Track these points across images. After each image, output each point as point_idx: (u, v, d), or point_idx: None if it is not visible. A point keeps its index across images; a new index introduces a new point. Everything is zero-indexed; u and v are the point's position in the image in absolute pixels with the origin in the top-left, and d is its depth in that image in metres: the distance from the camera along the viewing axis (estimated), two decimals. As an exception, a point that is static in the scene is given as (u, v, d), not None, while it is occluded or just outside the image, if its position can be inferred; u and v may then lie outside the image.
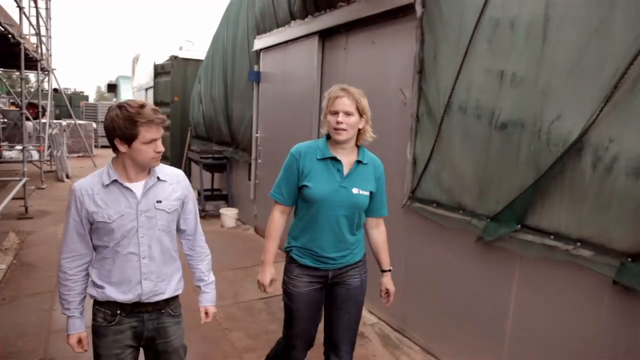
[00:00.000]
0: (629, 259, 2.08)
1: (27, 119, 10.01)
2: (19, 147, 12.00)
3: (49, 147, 11.09)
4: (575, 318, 2.35)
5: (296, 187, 2.20)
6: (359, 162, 2.17)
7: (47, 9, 11.06)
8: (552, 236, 2.40)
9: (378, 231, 2.36)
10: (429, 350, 3.34)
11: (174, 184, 1.92)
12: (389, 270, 2.38)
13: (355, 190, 2.15)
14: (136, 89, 19.25)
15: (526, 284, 2.62)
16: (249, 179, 6.51)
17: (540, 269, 2.52)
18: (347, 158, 2.17)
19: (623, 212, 2.07)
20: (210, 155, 7.49)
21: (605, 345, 2.22)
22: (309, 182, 2.14)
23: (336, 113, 2.08)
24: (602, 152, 2.13)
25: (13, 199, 6.58)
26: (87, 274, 1.88)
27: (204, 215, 7.24)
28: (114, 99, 29.32)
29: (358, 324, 2.35)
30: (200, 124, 8.50)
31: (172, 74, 10.44)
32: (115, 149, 1.78)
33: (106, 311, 1.85)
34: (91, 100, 32.88)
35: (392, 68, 3.65)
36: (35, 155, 10.56)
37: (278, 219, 2.27)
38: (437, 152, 3.13)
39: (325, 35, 4.62)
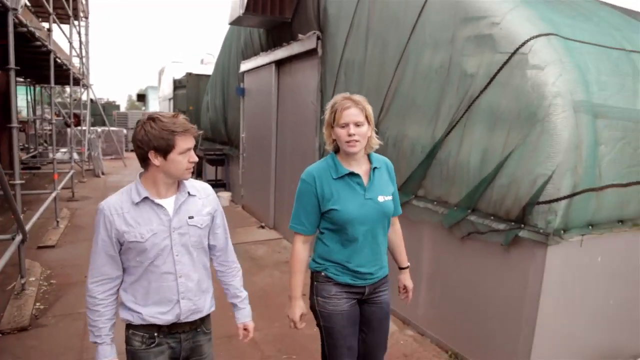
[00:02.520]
0: (455, 207, 3.28)
1: (69, 126, 12.39)
2: (63, 149, 14.47)
3: (88, 149, 13.42)
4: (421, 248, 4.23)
5: (318, 214, 2.11)
6: (375, 168, 2.11)
7: (87, 34, 13.47)
8: (423, 200, 4.07)
9: (394, 230, 2.33)
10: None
11: (203, 198, 1.87)
12: (407, 267, 2.39)
13: (381, 199, 2.09)
14: (161, 98, 21.74)
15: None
16: (239, 169, 8.54)
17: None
18: (361, 169, 2.10)
19: (454, 181, 3.87)
20: (212, 152, 9.57)
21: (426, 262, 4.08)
22: (334, 205, 2.04)
23: (346, 125, 1.98)
24: (390, 134, 4.02)
25: (63, 188, 8.78)
26: (116, 298, 1.81)
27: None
28: (143, 108, 32.05)
29: (387, 339, 2.35)
30: (208, 128, 10.59)
31: (188, 88, 12.62)
32: (145, 164, 1.73)
33: (144, 335, 1.79)
34: (123, 108, 35.82)
35: (310, 86, 5.59)
36: (76, 156, 12.91)
37: (301, 251, 2.16)
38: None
39: (279, 64, 6.60)
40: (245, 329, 2.06)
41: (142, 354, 1.79)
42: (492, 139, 2.96)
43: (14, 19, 3.72)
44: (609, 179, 2.86)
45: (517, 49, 2.82)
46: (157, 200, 1.74)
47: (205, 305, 1.89)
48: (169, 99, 17.20)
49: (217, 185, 9.77)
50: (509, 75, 2.85)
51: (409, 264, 2.41)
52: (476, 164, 3.07)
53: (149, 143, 1.65)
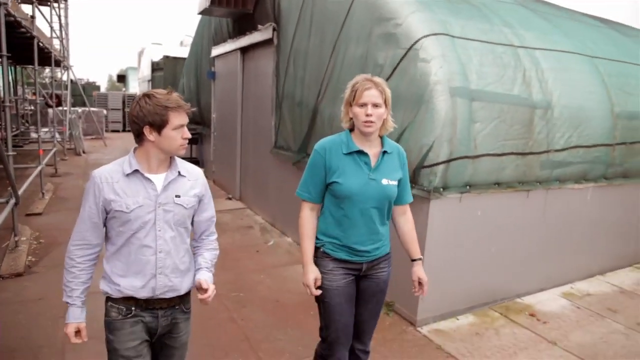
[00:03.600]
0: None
1: (50, 106, 12.87)
2: (45, 129, 14.91)
3: (69, 129, 13.91)
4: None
5: (324, 184, 2.16)
6: (384, 152, 2.15)
7: (66, 17, 13.83)
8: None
9: (405, 219, 2.33)
10: (281, 229, 6.05)
11: (192, 181, 1.90)
12: (420, 259, 2.33)
13: (385, 182, 2.12)
14: (141, 79, 22.10)
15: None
16: (211, 147, 9.23)
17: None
18: (372, 150, 2.14)
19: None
20: (187, 132, 10.22)
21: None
22: (338, 178, 2.10)
23: (364, 105, 2.03)
24: (325, 112, 4.79)
25: (46, 165, 9.37)
26: (94, 265, 1.87)
27: (183, 175, 9.98)
28: (123, 88, 32.17)
29: (380, 312, 2.37)
30: (183, 109, 11.20)
31: (165, 70, 13.21)
32: (139, 139, 1.77)
33: (120, 307, 1.83)
34: (103, 88, 35.81)
35: (268, 72, 6.29)
36: (57, 136, 13.39)
37: (309, 217, 2.21)
38: (281, 120, 5.80)
39: (244, 51, 7.27)
40: (200, 287, 1.87)
41: (118, 324, 1.83)
42: (395, 117, 3.73)
43: (4, 12, 4.35)
44: (484, 149, 3.68)
45: (412, 45, 3.60)
46: (147, 175, 1.79)
47: (183, 285, 1.90)
48: (148, 81, 17.66)
49: (191, 162, 10.44)
50: (406, 66, 3.62)
51: (421, 256, 2.35)
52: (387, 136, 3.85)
53: (144, 118, 1.71)
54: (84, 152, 13.73)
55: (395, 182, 2.17)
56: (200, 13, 7.19)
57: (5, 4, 4.33)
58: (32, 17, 6.76)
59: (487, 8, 4.53)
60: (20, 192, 5.69)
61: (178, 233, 1.86)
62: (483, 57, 3.82)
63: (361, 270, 2.21)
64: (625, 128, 4.80)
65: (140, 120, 1.72)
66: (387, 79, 3.78)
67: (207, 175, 9.98)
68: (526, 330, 3.74)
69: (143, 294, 1.82)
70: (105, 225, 1.83)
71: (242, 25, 7.15)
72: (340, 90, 4.61)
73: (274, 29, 5.89)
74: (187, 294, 1.96)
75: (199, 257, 2.01)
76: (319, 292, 2.18)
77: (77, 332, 1.84)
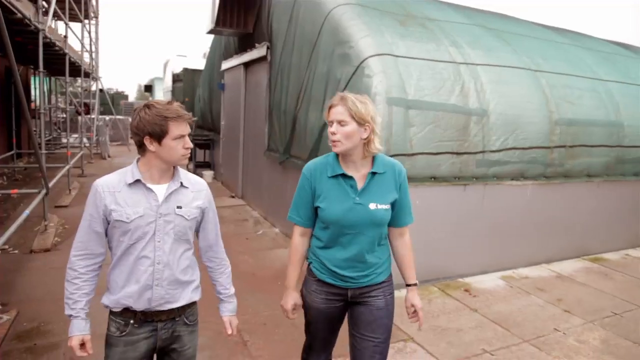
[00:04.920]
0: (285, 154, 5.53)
1: (80, 114, 14.14)
2: (75, 135, 16.24)
3: (96, 135, 15.16)
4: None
5: (312, 208, 2.10)
6: (373, 173, 2.01)
7: (96, 32, 15.15)
8: (293, 157, 5.89)
9: (402, 242, 2.20)
10: (272, 222, 6.90)
11: (195, 192, 1.89)
12: (415, 285, 2.21)
13: (372, 206, 2.00)
14: (165, 90, 23.39)
15: (292, 180, 6.13)
16: (220, 151, 10.18)
17: (295, 172, 6.03)
18: (360, 172, 2.03)
19: (304, 143, 5.55)
20: (200, 138, 11.23)
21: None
22: (321, 203, 2.03)
23: (331, 123, 1.96)
24: (302, 118, 5.64)
25: (74, 167, 10.49)
26: (97, 275, 1.84)
27: (195, 176, 10.97)
28: (150, 98, 33.78)
29: (386, 353, 2.15)
30: (199, 117, 12.24)
31: (184, 81, 14.31)
32: (142, 150, 1.78)
33: (119, 321, 1.82)
34: (132, 97, 37.62)
35: (263, 84, 7.18)
36: (85, 141, 14.65)
37: (298, 243, 2.16)
38: (271, 126, 6.67)
39: (247, 65, 8.20)
40: (230, 323, 2.08)
41: (114, 340, 1.82)
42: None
43: (43, 36, 5.37)
44: (419, 148, 4.46)
45: (360, 63, 4.42)
46: (149, 185, 1.78)
47: (182, 296, 1.87)
48: (170, 91, 18.89)
49: (204, 165, 11.45)
50: (356, 81, 4.44)
51: (416, 281, 2.22)
52: (342, 139, 4.67)
53: (144, 129, 1.71)
54: (109, 156, 14.94)
55: (387, 206, 2.03)
56: (209, 32, 8.18)
57: (43, 30, 5.36)
58: (65, 36, 7.86)
59: (440, 30, 5.33)
60: (50, 185, 6.72)
61: (179, 245, 1.84)
62: (422, 73, 4.61)
63: (347, 296, 2.11)
64: (564, 133, 5.49)
65: (140, 131, 1.73)
66: (342, 91, 4.61)
67: (216, 177, 11.00)
68: (455, 301, 4.47)
69: (139, 305, 1.79)
70: (106, 234, 1.83)
71: (245, 42, 8.10)
72: (312, 100, 5.46)
73: (267, 47, 6.79)
74: (189, 305, 1.92)
75: (216, 283, 2.07)
76: (295, 315, 2.19)
77: (82, 345, 1.81)
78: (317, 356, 2.28)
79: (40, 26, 5.22)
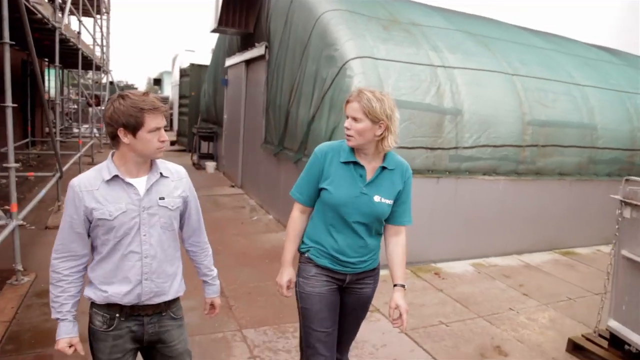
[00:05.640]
0: (279, 146, 6.06)
1: (90, 105, 14.74)
2: (85, 125, 16.85)
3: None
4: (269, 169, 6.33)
5: (316, 188, 2.12)
6: (383, 167, 2.06)
7: (108, 27, 15.72)
8: (286, 149, 6.38)
9: (397, 241, 2.21)
10: (266, 209, 7.39)
11: (176, 181, 1.86)
12: (402, 286, 2.15)
13: (377, 199, 2.05)
14: (173, 84, 23.91)
15: (285, 170, 6.62)
16: (222, 143, 10.70)
17: (287, 163, 6.52)
18: (371, 164, 2.07)
19: (316, 142, 6.04)
20: (204, 130, 11.76)
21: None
22: (329, 186, 2.06)
23: (348, 117, 2.01)
24: (294, 113, 6.12)
25: (84, 155, 11.06)
26: (83, 276, 1.80)
27: (199, 167, 11.50)
28: (159, 91, 34.44)
29: (360, 325, 2.32)
30: (204, 111, 12.78)
31: (191, 76, 14.79)
32: (115, 143, 1.72)
33: (105, 315, 1.79)
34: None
35: (261, 81, 7.66)
36: (95, 131, 15.25)
37: (297, 219, 2.18)
38: (268, 120, 7.16)
39: (248, 63, 8.69)
40: (212, 305, 2.12)
41: (101, 335, 1.79)
42: (329, 118, 5.04)
43: (60, 33, 5.89)
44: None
45: (343, 65, 4.89)
46: (128, 179, 1.74)
47: (171, 289, 1.87)
48: (178, 85, 19.43)
49: (208, 157, 11.98)
50: (339, 80, 4.91)
51: (404, 283, 2.18)
52: (326, 132, 5.15)
53: (118, 120, 1.65)
54: (118, 146, 15.53)
55: (390, 201, 2.09)
56: (212, 32, 8.67)
57: (60, 27, 5.88)
58: (78, 33, 8.39)
59: (422, 35, 5.78)
60: (64, 168, 7.26)
61: (165, 236, 1.83)
62: (401, 74, 5.07)
63: (345, 281, 2.15)
64: (537, 133, 5.92)
65: (114, 122, 1.67)
66: (327, 90, 5.09)
67: (218, 167, 11.54)
68: (424, 282, 4.94)
69: (128, 300, 1.77)
70: (89, 234, 1.78)
71: (246, 41, 8.59)
72: (302, 97, 5.93)
73: (266, 47, 7.27)
74: (175, 300, 1.93)
75: (200, 266, 2.09)
76: (290, 293, 2.16)
77: (71, 347, 1.79)
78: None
79: (57, 25, 5.74)
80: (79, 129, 9.62)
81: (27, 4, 4.41)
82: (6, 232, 3.91)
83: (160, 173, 1.82)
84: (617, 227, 3.37)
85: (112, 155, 1.78)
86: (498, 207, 5.83)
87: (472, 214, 5.63)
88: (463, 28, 6.55)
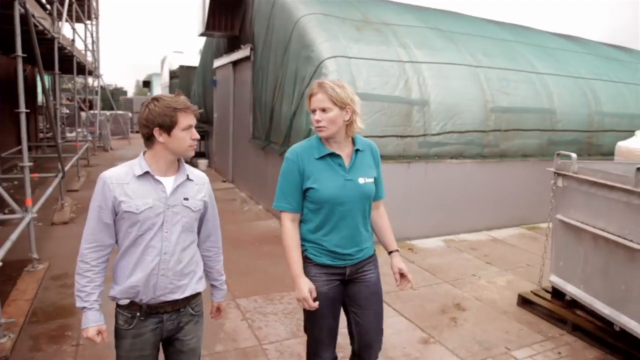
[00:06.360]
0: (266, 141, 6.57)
1: (82, 110, 15.17)
2: (78, 129, 17.22)
3: (99, 129, 16.19)
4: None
5: (301, 191, 2.13)
6: (357, 150, 2.14)
7: (97, 32, 16.11)
8: (272, 143, 6.92)
9: (379, 213, 2.33)
10: (256, 200, 7.94)
11: (199, 185, 1.96)
12: (397, 251, 2.32)
13: (361, 180, 2.12)
14: (162, 85, 24.36)
15: (272, 163, 7.17)
16: (213, 141, 11.21)
17: (274, 156, 7.06)
18: (344, 150, 2.14)
19: (299, 135, 6.59)
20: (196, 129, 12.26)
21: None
22: (313, 184, 2.08)
23: (314, 111, 2.05)
24: (278, 109, 6.66)
25: (80, 158, 11.53)
26: (106, 267, 1.88)
27: (192, 166, 12.00)
28: (148, 93, 34.79)
29: (382, 321, 2.30)
30: (194, 111, 13.26)
31: (180, 78, 15.30)
32: (150, 142, 1.82)
33: (126, 314, 1.87)
34: (131, 93, 38.62)
35: (248, 81, 8.19)
36: (89, 135, 15.67)
37: (291, 229, 2.15)
38: (254, 117, 7.69)
39: (235, 64, 9.20)
40: (218, 308, 2.21)
41: (123, 332, 1.88)
42: (310, 113, 5.58)
43: (58, 42, 6.37)
44: (368, 132, 5.46)
45: (319, 64, 5.44)
46: (158, 177, 1.82)
47: (188, 286, 1.92)
48: (167, 87, 19.86)
49: (199, 155, 12.50)
50: (317, 78, 5.44)
51: (397, 248, 2.33)
52: (307, 125, 5.69)
53: (154, 120, 1.75)
54: (111, 148, 15.98)
55: (372, 180, 2.16)
56: (200, 35, 9.17)
57: (58, 37, 6.37)
58: (72, 40, 8.85)
59: (392, 33, 6.33)
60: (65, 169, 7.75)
61: (185, 236, 1.90)
62: (371, 70, 5.63)
63: (345, 274, 2.18)
64: (499, 119, 6.51)
65: (150, 123, 1.77)
66: (306, 87, 5.64)
67: (210, 164, 12.09)
68: (399, 255, 5.51)
69: (145, 296, 1.84)
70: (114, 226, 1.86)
71: (233, 43, 9.10)
72: (285, 94, 6.47)
73: (251, 49, 7.80)
74: (194, 296, 1.97)
75: (211, 270, 2.14)
76: (316, 304, 2.08)
77: (98, 334, 1.85)
78: (327, 348, 2.25)
79: (55, 35, 6.22)
80: (75, 132, 10.05)
81: (34, 20, 4.90)
82: (23, 223, 4.43)
83: (187, 175, 1.92)
84: (552, 195, 3.95)
85: (144, 154, 1.88)
86: (466, 188, 6.41)
87: (442, 194, 6.21)
88: (432, 25, 7.11)
